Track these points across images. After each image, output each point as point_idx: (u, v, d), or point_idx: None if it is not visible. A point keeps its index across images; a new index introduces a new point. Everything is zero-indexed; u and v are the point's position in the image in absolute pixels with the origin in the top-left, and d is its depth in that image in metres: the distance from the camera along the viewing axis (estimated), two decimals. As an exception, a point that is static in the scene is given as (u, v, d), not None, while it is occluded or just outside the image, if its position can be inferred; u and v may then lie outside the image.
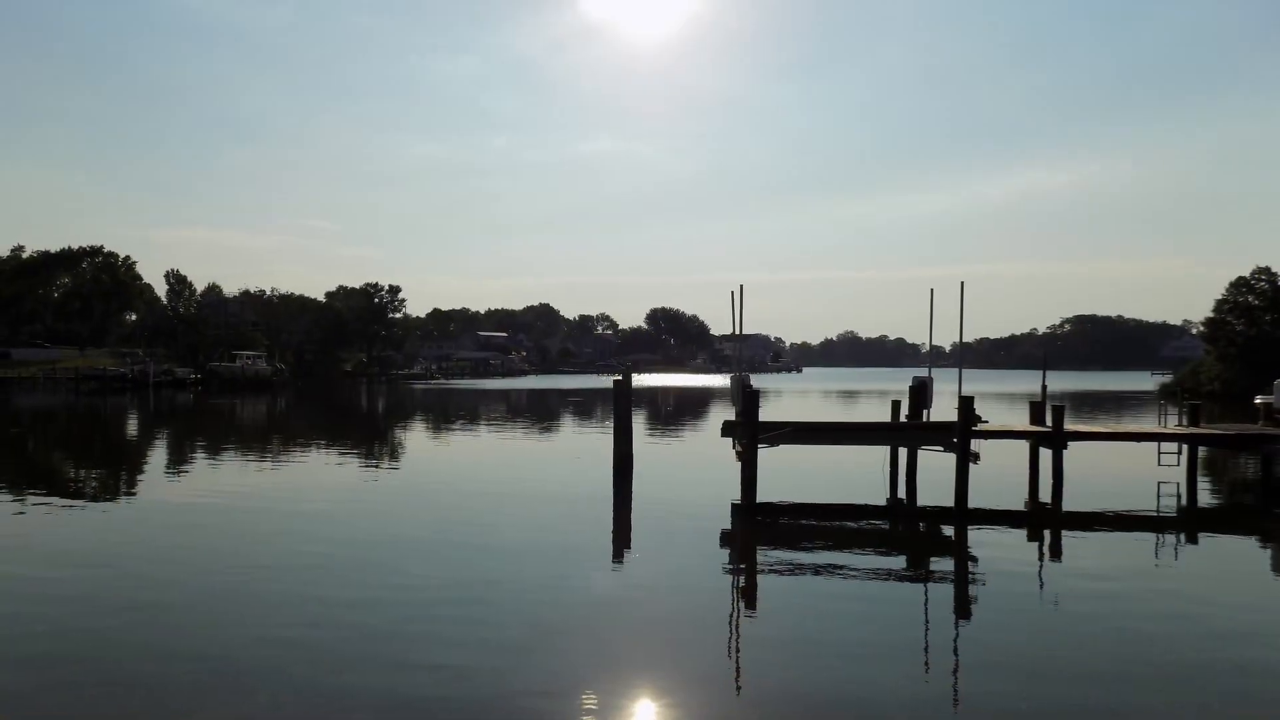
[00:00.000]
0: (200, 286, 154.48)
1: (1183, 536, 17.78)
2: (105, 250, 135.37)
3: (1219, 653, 10.14)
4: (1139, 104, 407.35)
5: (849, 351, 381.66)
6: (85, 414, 56.96)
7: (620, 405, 25.56)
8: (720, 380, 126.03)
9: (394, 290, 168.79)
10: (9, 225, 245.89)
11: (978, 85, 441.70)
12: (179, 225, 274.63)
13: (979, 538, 16.91)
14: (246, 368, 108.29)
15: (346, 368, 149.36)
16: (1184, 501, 21.49)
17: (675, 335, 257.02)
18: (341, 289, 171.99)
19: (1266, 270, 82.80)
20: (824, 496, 21.36)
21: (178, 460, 31.13)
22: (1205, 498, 22.38)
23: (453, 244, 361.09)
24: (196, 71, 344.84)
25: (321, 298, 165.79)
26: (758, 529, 17.64)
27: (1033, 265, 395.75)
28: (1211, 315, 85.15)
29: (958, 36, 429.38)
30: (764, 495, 19.43)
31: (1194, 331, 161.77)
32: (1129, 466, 25.88)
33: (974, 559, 15.31)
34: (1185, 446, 23.23)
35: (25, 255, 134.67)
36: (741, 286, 22.21)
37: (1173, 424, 24.67)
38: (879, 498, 21.45)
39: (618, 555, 15.62)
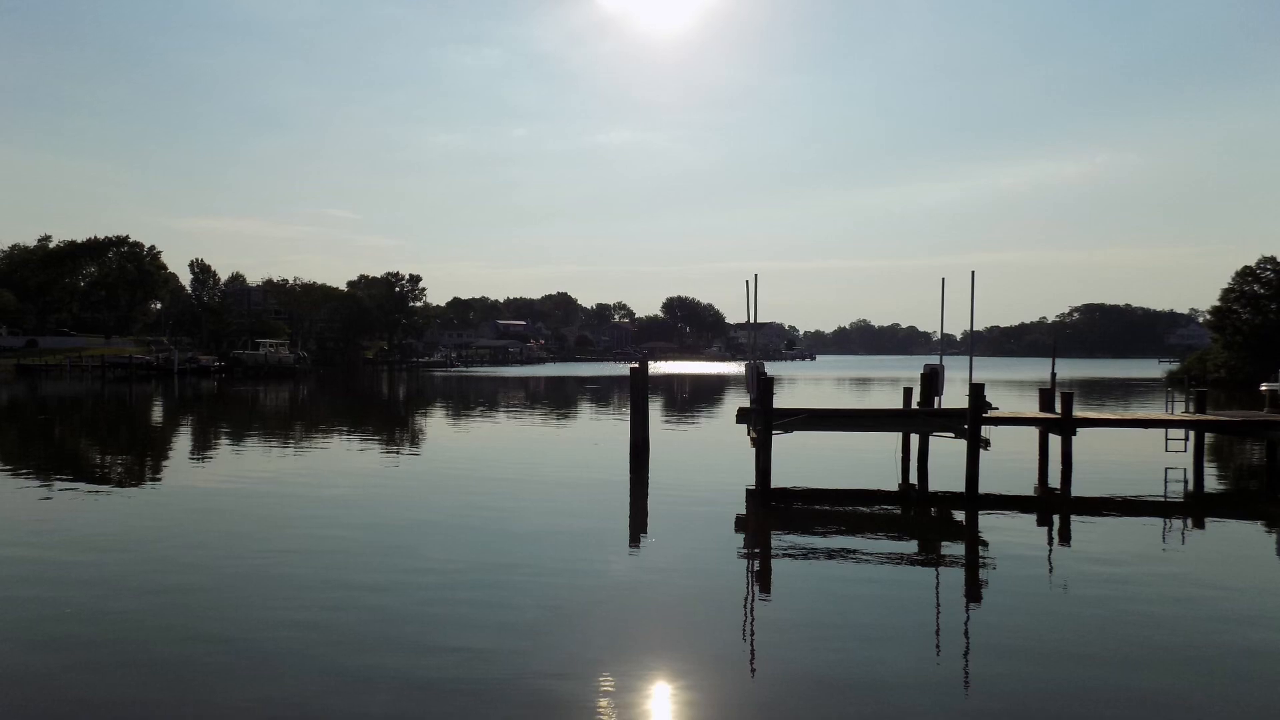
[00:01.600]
0: (224, 275, 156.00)
1: (1189, 521, 17.82)
2: (131, 240, 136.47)
3: (1225, 636, 10.25)
4: (1148, 96, 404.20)
5: (862, 339, 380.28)
6: (111, 401, 57.64)
7: (637, 392, 25.79)
8: (735, 368, 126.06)
9: (415, 279, 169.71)
10: (36, 215, 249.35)
11: (990, 77, 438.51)
12: (203, 215, 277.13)
13: (989, 523, 17.02)
14: (269, 355, 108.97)
15: (368, 355, 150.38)
16: (1191, 487, 21.53)
17: (691, 323, 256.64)
18: (363, 278, 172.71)
19: (1272, 260, 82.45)
20: (837, 482, 21.53)
21: (202, 446, 31.55)
22: (1211, 483, 22.40)
23: (473, 233, 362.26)
24: (220, 63, 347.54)
25: (343, 286, 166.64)
26: (772, 514, 17.81)
27: (1043, 254, 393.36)
28: (1218, 304, 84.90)
29: (970, 29, 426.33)
30: (778, 481, 19.62)
31: (1201, 320, 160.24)
32: (1137, 452, 25.95)
33: (984, 544, 15.44)
34: (1192, 433, 23.29)
35: (52, 245, 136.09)
36: (756, 275, 22.37)
37: (1180, 410, 24.71)
38: (891, 483, 21.59)
39: (634, 540, 15.81)
